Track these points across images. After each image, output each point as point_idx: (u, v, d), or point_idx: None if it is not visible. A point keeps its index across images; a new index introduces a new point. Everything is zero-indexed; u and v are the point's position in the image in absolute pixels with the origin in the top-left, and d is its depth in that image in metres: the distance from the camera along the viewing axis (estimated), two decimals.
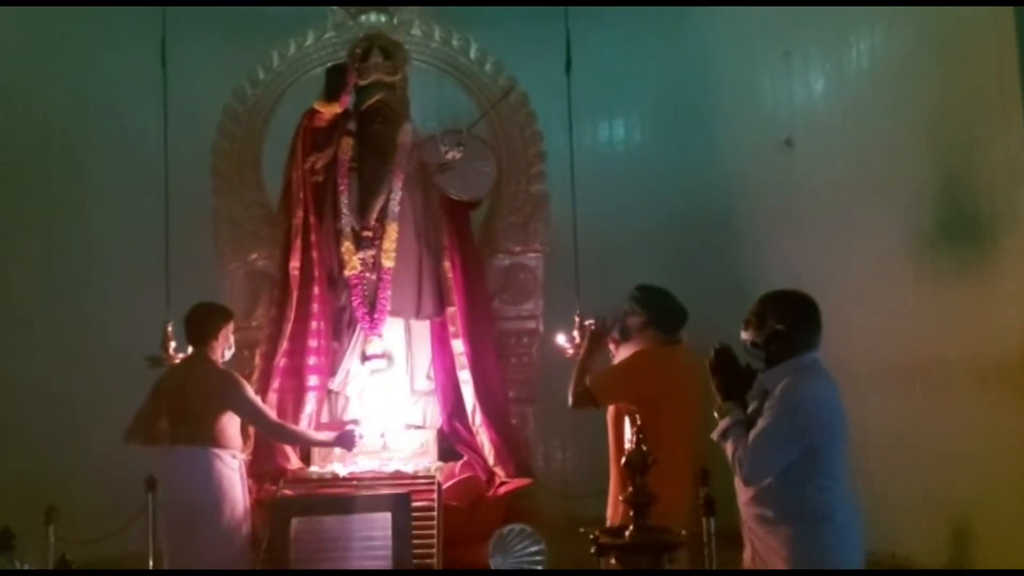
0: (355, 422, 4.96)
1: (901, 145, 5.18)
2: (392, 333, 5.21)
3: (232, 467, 4.18)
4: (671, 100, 6.62)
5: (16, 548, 3.66)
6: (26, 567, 3.13)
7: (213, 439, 4.13)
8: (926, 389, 4.89)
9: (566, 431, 6.04)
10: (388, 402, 5.07)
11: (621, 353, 4.18)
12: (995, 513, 4.37)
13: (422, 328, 5.31)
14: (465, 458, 5.03)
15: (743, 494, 3.11)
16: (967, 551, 4.61)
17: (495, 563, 3.20)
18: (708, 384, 3.92)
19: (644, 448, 2.82)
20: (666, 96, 6.65)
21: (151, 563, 4.62)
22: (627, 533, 2.72)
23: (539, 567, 3.18)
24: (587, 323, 4.34)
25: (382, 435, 4.95)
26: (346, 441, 4.58)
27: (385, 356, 5.14)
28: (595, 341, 4.18)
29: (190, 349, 4.46)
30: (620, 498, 2.71)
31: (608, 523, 3.89)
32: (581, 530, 2.93)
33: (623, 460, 2.82)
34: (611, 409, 4.03)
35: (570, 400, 4.06)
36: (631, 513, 2.78)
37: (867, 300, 5.14)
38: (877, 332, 5.08)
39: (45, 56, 5.84)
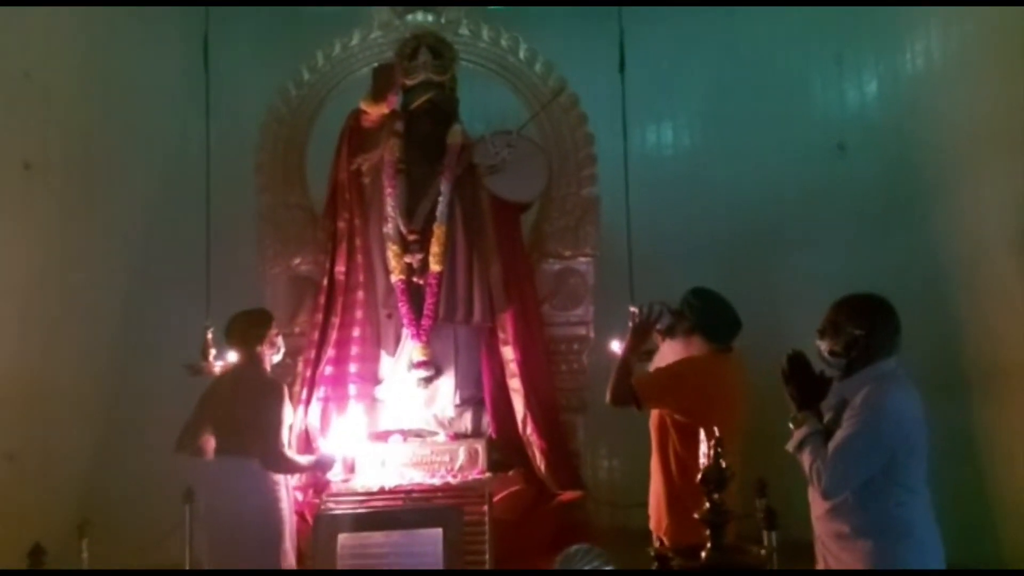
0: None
1: (958, 148, 5.05)
2: (440, 339, 5.08)
3: (278, 479, 4.08)
4: (721, 103, 6.52)
5: (48, 564, 3.55)
6: None
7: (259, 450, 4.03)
8: (986, 395, 4.81)
9: (613, 439, 5.93)
10: (354, 425, 4.87)
11: (665, 349, 4.00)
12: None
13: (471, 334, 5.18)
14: (514, 469, 4.89)
15: (817, 508, 3.00)
16: None
17: None
18: (755, 393, 3.84)
19: (723, 463, 2.67)
20: (715, 99, 6.55)
21: None
22: (703, 554, 2.57)
23: None
24: (631, 310, 4.16)
25: (347, 459, 4.75)
26: (323, 465, 4.43)
27: (432, 363, 5.00)
28: (639, 334, 3.96)
29: (231, 356, 4.38)
30: (696, 516, 2.56)
31: (654, 535, 3.79)
32: (651, 551, 2.79)
33: (700, 476, 2.67)
34: (654, 416, 3.86)
35: (608, 396, 3.86)
36: (707, 532, 2.63)
37: (925, 305, 4.97)
38: (934, 338, 4.91)
39: (87, 57, 5.77)
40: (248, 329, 4.29)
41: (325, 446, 4.67)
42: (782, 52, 6.26)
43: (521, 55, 5.63)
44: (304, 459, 4.38)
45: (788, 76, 6.26)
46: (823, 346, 3.06)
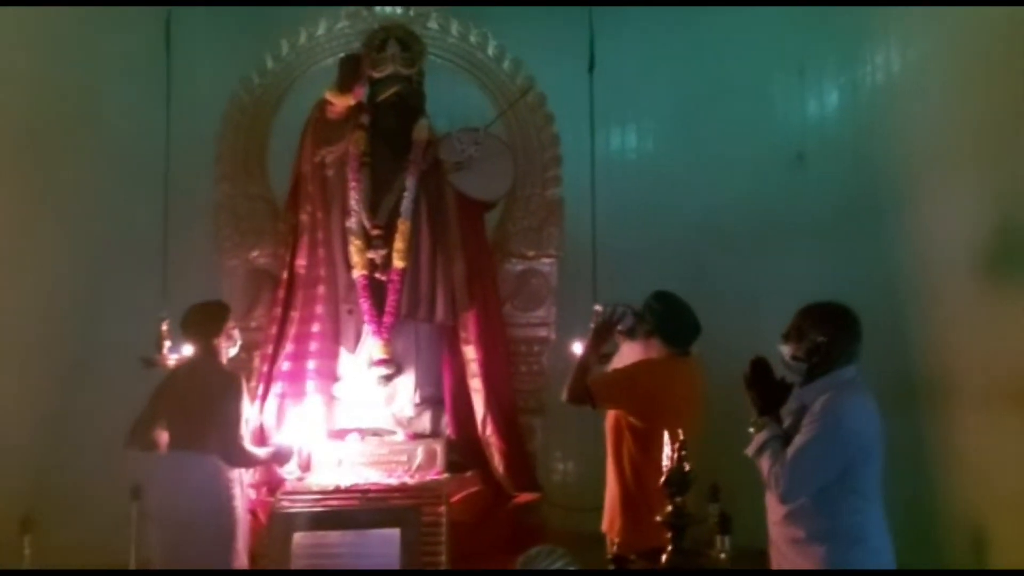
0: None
1: (916, 163, 5.12)
2: (401, 337, 5.02)
3: (233, 476, 4.01)
4: (685, 110, 6.53)
5: None
6: None
7: (215, 445, 3.96)
8: (938, 408, 4.85)
9: (569, 442, 5.89)
10: (311, 419, 4.84)
11: (625, 351, 4.02)
12: (1007, 529, 4.32)
13: (432, 333, 5.12)
14: (472, 470, 4.85)
15: (774, 513, 3.05)
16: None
17: None
18: (713, 398, 3.87)
19: (686, 466, 2.68)
20: (679, 105, 6.56)
21: None
22: (664, 557, 2.58)
23: None
24: (595, 308, 4.16)
25: (303, 453, 4.66)
26: (281, 457, 4.41)
27: (393, 361, 4.94)
28: (600, 333, 4.00)
29: (187, 349, 4.30)
30: (658, 518, 2.57)
31: (608, 538, 3.81)
32: (608, 555, 2.80)
33: (663, 478, 2.69)
34: (610, 417, 3.89)
35: (565, 394, 3.90)
36: (668, 534, 2.64)
37: (881, 316, 5.05)
38: (889, 349, 4.97)
39: (45, 38, 5.58)
40: (205, 321, 4.22)
41: (282, 438, 4.60)
42: (745, 61, 6.25)
43: (490, 51, 5.58)
44: (262, 451, 4.34)
45: (751, 85, 6.27)
46: (786, 351, 3.12)
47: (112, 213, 5.77)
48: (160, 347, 4.53)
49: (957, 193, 4.73)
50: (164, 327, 4.57)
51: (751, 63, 6.25)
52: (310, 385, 4.91)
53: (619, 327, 3.99)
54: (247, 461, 4.16)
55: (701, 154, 6.32)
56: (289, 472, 4.58)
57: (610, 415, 3.89)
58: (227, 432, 3.99)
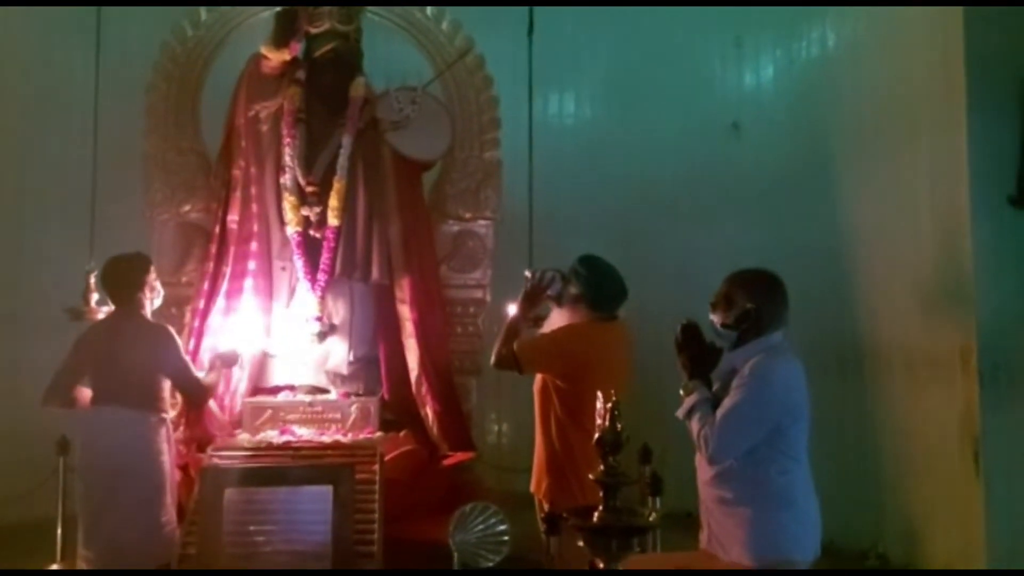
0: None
1: (846, 135, 5.25)
2: (336, 295, 4.98)
3: (160, 431, 3.93)
4: (622, 77, 6.58)
5: None
6: None
7: (142, 400, 3.88)
8: (863, 374, 5.03)
9: (503, 404, 5.98)
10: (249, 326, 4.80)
11: (554, 316, 4.03)
12: (925, 482, 4.53)
13: (367, 291, 5.08)
14: (405, 430, 4.84)
15: (704, 473, 3.06)
16: (893, 534, 4.78)
17: (456, 541, 3.07)
18: (644, 362, 3.93)
19: (619, 426, 2.72)
20: (618, 73, 6.61)
21: (59, 530, 4.33)
22: (595, 515, 2.61)
23: (504, 546, 3.07)
24: (525, 274, 4.18)
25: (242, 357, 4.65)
26: (227, 360, 4.45)
27: (327, 319, 4.91)
28: (529, 299, 4.00)
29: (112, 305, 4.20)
30: (590, 476, 2.60)
31: (536, 498, 3.84)
32: (564, 515, 2.84)
33: (595, 438, 2.71)
34: (538, 380, 3.90)
35: (493, 358, 3.92)
36: (600, 493, 2.68)
37: (808, 287, 5.18)
38: (816, 316, 5.12)
39: None
40: (126, 274, 4.10)
41: (223, 343, 4.59)
42: (684, 31, 6.32)
43: (428, 11, 5.51)
44: (213, 374, 4.33)
45: (689, 55, 6.35)
46: (715, 318, 3.12)
47: (39, 163, 5.61)
48: (88, 299, 4.45)
49: (887, 167, 4.87)
50: (92, 279, 4.46)
51: (690, 33, 6.32)
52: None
53: (548, 292, 4.00)
54: (210, 391, 4.25)
55: (637, 121, 6.37)
56: (220, 427, 4.54)
57: (538, 378, 3.89)
58: (184, 379, 4.03)
